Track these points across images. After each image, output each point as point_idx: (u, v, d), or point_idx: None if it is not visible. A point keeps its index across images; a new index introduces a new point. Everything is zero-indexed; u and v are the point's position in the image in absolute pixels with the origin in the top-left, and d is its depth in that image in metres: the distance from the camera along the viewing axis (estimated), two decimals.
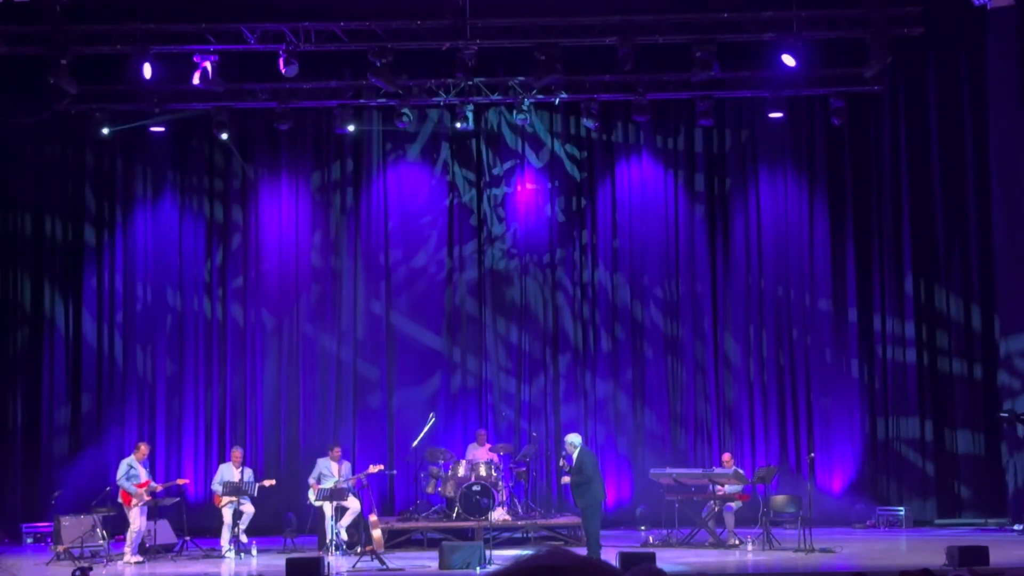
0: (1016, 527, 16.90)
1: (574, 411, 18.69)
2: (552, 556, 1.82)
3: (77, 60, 16.45)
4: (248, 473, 16.25)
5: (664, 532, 16.27)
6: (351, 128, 18.02)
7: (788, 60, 16.71)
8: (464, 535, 15.72)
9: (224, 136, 17.88)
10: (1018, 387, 17.40)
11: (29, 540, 16.95)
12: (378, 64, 16.42)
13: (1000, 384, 17.85)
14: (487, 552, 13.79)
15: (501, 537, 15.68)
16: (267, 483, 16.57)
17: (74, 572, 12.11)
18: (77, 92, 16.87)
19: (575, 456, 14.03)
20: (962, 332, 18.35)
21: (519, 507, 16.68)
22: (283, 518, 17.18)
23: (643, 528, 17.31)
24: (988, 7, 17.04)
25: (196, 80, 16.53)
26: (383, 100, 17.92)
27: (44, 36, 16.27)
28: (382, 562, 13.96)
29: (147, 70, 16.46)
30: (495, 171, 19.04)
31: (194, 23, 16.72)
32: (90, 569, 12.29)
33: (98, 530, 15.53)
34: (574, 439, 14.31)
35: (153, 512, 15.69)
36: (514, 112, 18.00)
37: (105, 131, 17.69)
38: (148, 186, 18.77)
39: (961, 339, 18.36)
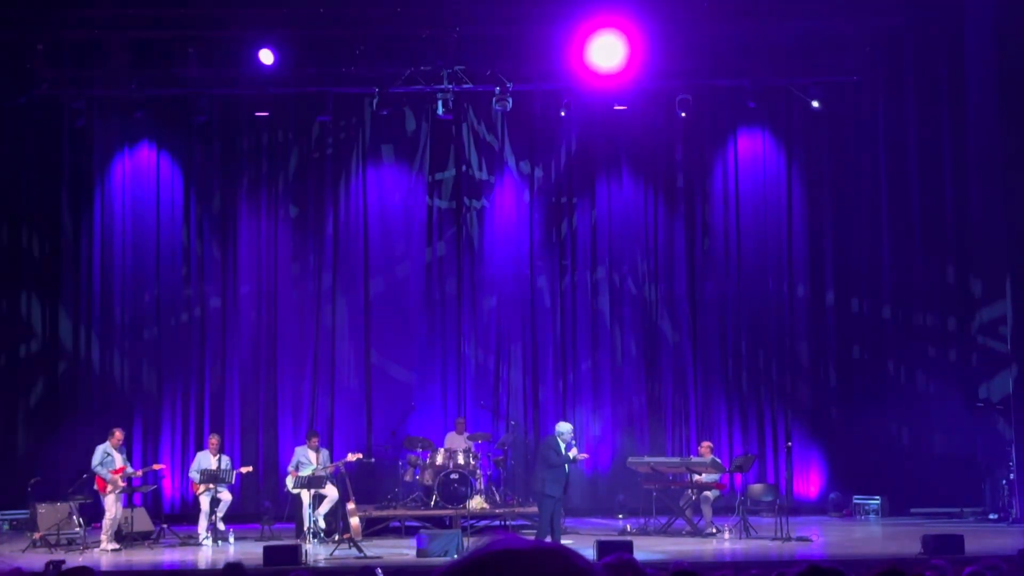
0: (991, 516, 16.98)
1: (552, 395, 18.69)
2: (507, 542, 1.79)
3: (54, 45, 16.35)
4: (225, 460, 16.21)
5: (642, 520, 16.31)
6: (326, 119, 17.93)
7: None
8: (442, 523, 15.73)
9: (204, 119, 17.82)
10: (994, 371, 17.50)
11: (5, 527, 16.86)
12: (357, 52, 16.35)
13: (977, 370, 17.95)
14: (465, 540, 13.79)
15: (479, 525, 15.68)
16: (244, 470, 16.57)
17: (47, 565, 11.96)
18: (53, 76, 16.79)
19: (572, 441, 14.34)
20: (938, 318, 18.39)
21: (497, 495, 16.68)
22: (261, 506, 17.14)
23: (621, 516, 17.35)
24: None
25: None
26: (363, 88, 17.78)
27: (21, 19, 16.17)
28: (360, 550, 13.94)
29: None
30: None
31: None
32: (63, 562, 12.16)
33: (74, 517, 15.47)
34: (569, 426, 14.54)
35: (130, 499, 15.63)
36: (494, 100, 17.86)
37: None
38: (128, 175, 18.66)
39: (937, 325, 18.39)
